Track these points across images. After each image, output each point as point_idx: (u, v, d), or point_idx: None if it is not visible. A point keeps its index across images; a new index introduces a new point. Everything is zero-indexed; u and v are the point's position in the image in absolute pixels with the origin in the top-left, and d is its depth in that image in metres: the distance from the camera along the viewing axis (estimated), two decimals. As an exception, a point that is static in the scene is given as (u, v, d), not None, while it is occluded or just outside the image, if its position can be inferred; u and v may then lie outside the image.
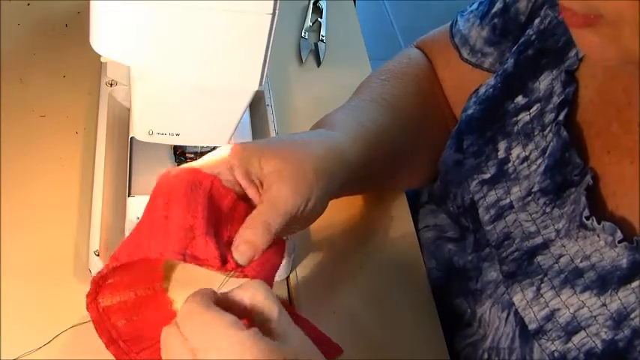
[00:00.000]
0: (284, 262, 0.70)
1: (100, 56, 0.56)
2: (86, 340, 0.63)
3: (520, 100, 0.70)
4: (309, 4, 1.01)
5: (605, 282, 0.60)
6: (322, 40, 0.96)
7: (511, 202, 0.69)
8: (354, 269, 0.74)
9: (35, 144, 0.78)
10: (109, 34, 0.53)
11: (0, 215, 0.71)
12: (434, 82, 0.84)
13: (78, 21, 0.90)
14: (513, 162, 0.69)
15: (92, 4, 0.52)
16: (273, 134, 0.80)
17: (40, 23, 0.89)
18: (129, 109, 0.78)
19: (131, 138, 0.72)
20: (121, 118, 0.79)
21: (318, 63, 0.94)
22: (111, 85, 0.80)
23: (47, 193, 0.74)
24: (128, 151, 0.73)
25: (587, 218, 0.61)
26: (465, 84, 0.80)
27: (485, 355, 0.68)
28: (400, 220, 0.79)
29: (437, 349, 0.70)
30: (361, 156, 0.68)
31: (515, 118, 0.70)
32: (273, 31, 0.54)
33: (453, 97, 0.84)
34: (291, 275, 0.73)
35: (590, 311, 0.60)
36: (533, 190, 0.67)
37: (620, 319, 0.59)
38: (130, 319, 0.63)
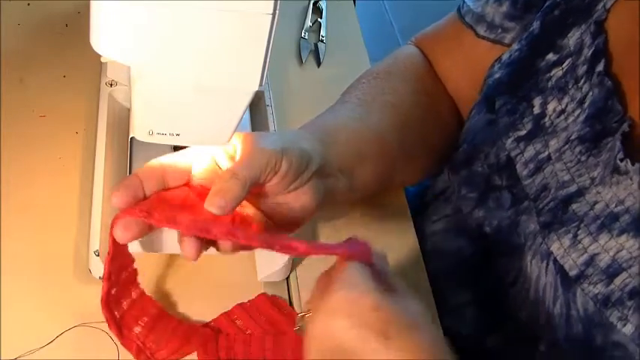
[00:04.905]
0: (284, 262, 0.70)
1: (100, 56, 0.56)
2: (86, 341, 0.63)
3: (551, 57, 0.71)
4: (309, 4, 1.01)
5: None
6: (322, 41, 0.96)
7: (549, 154, 0.70)
8: (354, 269, 0.74)
9: (35, 144, 0.78)
10: (109, 34, 0.53)
11: (0, 215, 0.71)
12: (425, 76, 0.83)
13: (78, 21, 0.90)
14: (550, 116, 0.70)
15: (92, 4, 0.52)
16: (273, 134, 0.80)
17: (40, 23, 0.89)
18: (129, 109, 0.78)
19: (131, 138, 0.72)
20: (121, 118, 0.79)
21: (318, 63, 0.94)
22: (111, 85, 0.80)
23: (47, 193, 0.74)
24: (128, 151, 0.73)
25: (622, 160, 0.62)
26: (483, 61, 0.79)
27: (531, 307, 0.69)
28: (400, 220, 0.80)
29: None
30: (331, 137, 0.68)
31: (548, 74, 0.71)
32: (273, 31, 0.54)
33: (468, 78, 0.82)
34: (291, 275, 0.73)
35: (630, 252, 0.62)
36: (571, 139, 0.68)
37: None
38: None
